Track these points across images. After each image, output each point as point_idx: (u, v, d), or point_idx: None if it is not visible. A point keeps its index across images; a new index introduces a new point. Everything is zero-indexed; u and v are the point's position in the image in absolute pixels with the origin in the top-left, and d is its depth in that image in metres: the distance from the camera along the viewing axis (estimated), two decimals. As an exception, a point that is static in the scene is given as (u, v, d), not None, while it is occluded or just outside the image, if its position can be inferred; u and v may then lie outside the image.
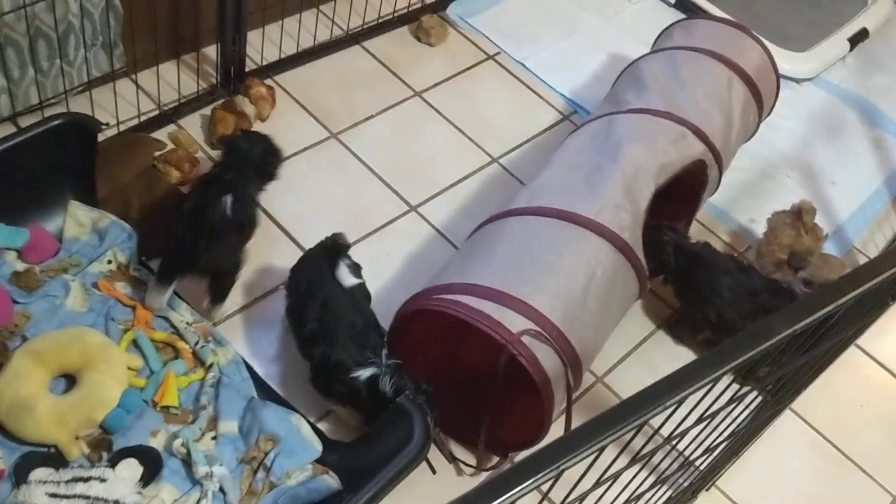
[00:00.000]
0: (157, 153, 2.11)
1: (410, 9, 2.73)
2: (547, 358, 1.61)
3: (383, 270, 2.08)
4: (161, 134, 2.19)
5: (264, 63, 2.44)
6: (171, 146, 2.16)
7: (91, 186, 1.96)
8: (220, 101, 2.29)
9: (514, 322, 1.60)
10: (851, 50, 3.06)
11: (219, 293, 1.84)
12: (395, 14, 2.71)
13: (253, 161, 1.90)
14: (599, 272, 1.76)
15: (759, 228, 2.36)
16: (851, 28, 3.10)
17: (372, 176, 2.30)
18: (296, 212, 2.14)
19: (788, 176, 2.61)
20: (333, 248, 1.82)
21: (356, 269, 1.84)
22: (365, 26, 2.64)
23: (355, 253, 1.87)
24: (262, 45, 2.42)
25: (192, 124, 2.27)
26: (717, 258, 1.99)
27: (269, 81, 2.39)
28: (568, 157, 2.02)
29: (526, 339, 1.58)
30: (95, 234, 1.94)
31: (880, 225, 2.55)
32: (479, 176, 2.37)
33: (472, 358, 1.71)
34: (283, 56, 2.47)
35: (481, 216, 2.01)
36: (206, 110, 2.29)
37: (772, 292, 1.94)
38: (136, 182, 2.03)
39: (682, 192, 2.11)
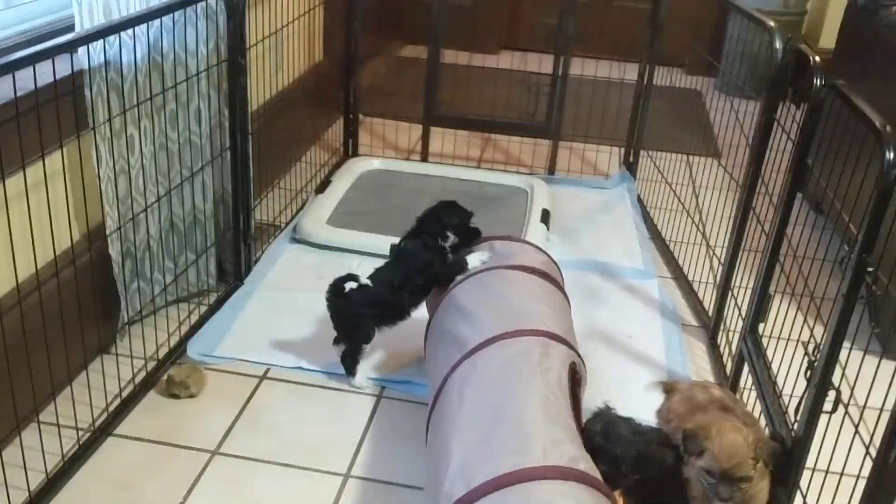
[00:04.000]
0: None
1: (148, 368, 2.30)
2: None
3: None
4: None
5: (13, 511, 1.82)
6: None
7: None
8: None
9: None
10: (548, 229, 3.28)
11: None
12: (135, 384, 2.26)
13: None
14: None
15: (613, 409, 2.29)
16: (535, 213, 3.35)
17: (228, 571, 1.77)
18: None
19: (595, 349, 2.61)
20: None
21: None
22: (108, 411, 2.15)
23: None
24: (6, 492, 1.81)
25: None
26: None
27: (32, 531, 1.77)
28: (463, 420, 1.73)
29: None
30: None
31: (693, 352, 2.64)
32: (346, 502, 1.96)
33: None
34: (33, 493, 1.87)
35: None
36: None
37: None
38: None
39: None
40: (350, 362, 2.33)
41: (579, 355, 2.00)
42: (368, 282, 2.30)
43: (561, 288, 2.28)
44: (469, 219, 2.39)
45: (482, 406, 1.72)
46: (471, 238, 2.38)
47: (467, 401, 1.76)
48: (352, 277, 2.30)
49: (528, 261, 2.25)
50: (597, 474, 1.59)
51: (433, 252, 2.31)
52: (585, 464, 1.58)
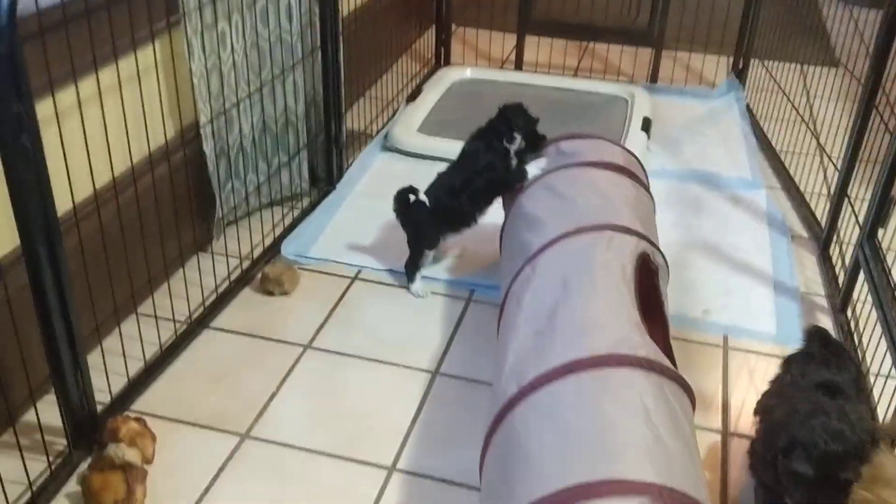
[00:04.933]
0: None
1: (243, 266, 2.33)
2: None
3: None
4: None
5: (115, 397, 1.87)
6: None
7: None
8: (89, 465, 1.68)
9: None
10: (649, 138, 3.13)
11: None
12: (231, 280, 2.29)
13: None
14: (651, 403, 1.40)
15: (715, 318, 2.21)
16: (636, 122, 3.19)
17: (319, 458, 1.79)
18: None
19: (697, 260, 2.49)
20: None
21: None
22: (205, 306, 2.18)
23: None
24: (105, 376, 1.87)
25: (62, 512, 1.63)
26: None
27: (131, 415, 1.82)
28: (520, 325, 1.66)
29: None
30: None
31: (802, 263, 2.49)
32: (433, 398, 1.95)
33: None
34: (132, 379, 1.93)
35: (468, 436, 1.72)
36: (73, 485, 1.67)
37: None
38: None
39: (642, 296, 1.83)
40: (410, 269, 2.31)
41: (654, 244, 1.90)
42: (425, 196, 2.24)
43: (637, 179, 2.16)
44: (535, 124, 2.27)
45: (538, 308, 1.66)
46: (537, 143, 2.27)
47: (525, 305, 1.71)
48: (412, 190, 2.25)
49: (597, 156, 2.14)
50: (665, 361, 1.51)
51: (495, 154, 2.22)
52: (647, 349, 1.50)
